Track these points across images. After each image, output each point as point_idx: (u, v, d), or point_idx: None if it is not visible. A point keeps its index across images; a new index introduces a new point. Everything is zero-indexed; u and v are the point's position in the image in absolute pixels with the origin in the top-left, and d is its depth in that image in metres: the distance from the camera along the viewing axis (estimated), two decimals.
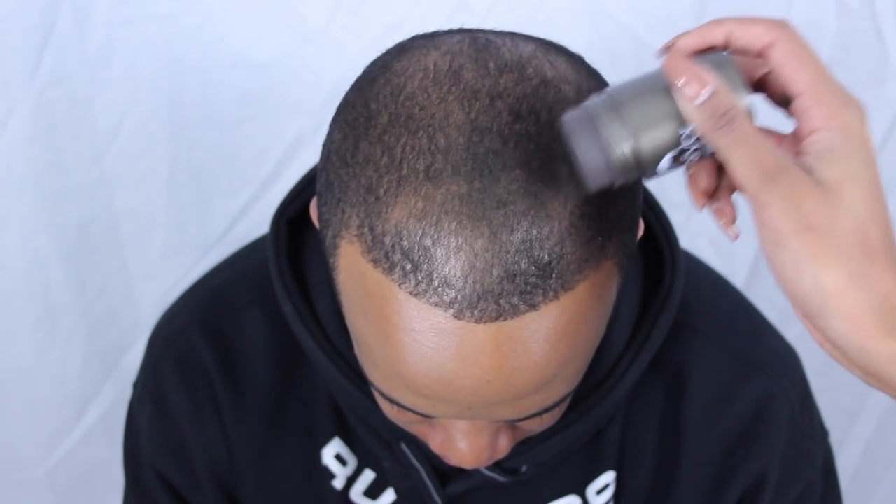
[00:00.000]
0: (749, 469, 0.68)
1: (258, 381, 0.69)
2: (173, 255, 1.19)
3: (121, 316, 1.23)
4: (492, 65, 0.47)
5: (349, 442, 0.69)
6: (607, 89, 0.45)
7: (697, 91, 0.43)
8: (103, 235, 1.16)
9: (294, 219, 0.66)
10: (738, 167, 0.43)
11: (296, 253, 0.66)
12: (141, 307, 1.23)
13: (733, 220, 0.47)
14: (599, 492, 0.69)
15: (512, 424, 0.57)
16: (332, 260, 0.50)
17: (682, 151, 0.44)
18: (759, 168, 0.42)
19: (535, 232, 0.44)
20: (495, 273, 0.44)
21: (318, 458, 0.70)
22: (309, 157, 1.11)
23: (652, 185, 0.65)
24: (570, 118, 0.45)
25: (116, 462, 0.80)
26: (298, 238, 0.66)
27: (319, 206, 0.51)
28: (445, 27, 0.52)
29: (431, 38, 0.50)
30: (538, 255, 0.45)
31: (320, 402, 0.69)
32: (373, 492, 0.71)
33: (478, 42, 0.49)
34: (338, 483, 0.70)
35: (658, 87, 0.44)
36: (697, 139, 0.44)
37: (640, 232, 0.53)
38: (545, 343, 0.46)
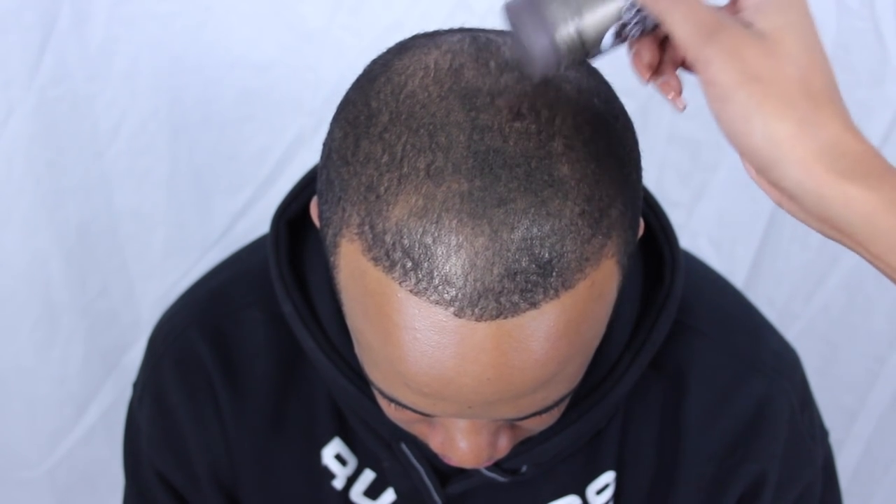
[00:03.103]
0: (749, 469, 0.68)
1: (258, 381, 0.69)
2: (173, 255, 1.19)
3: (121, 316, 1.23)
4: (492, 63, 0.47)
5: (349, 442, 0.69)
6: None
7: None
8: (103, 235, 1.16)
9: (294, 219, 0.66)
10: (678, 28, 0.43)
11: (296, 253, 0.66)
12: (141, 307, 1.23)
13: (679, 93, 0.48)
14: (599, 492, 0.69)
15: (512, 424, 0.57)
16: (332, 259, 0.50)
17: (624, 26, 0.45)
18: (698, 26, 0.42)
19: (535, 230, 0.45)
20: (496, 271, 0.44)
21: (318, 458, 0.70)
22: (309, 156, 1.11)
23: (652, 185, 0.65)
24: (513, 4, 0.45)
25: (116, 462, 0.80)
26: (298, 238, 0.66)
27: (320, 205, 0.51)
28: (445, 27, 0.52)
29: (432, 37, 0.51)
30: (539, 254, 0.45)
31: (320, 402, 0.69)
32: (373, 492, 0.71)
33: (478, 41, 0.49)
34: (338, 483, 0.70)
35: None
36: (638, 11, 0.45)
37: (640, 231, 0.53)
38: (545, 341, 0.46)
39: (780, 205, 0.46)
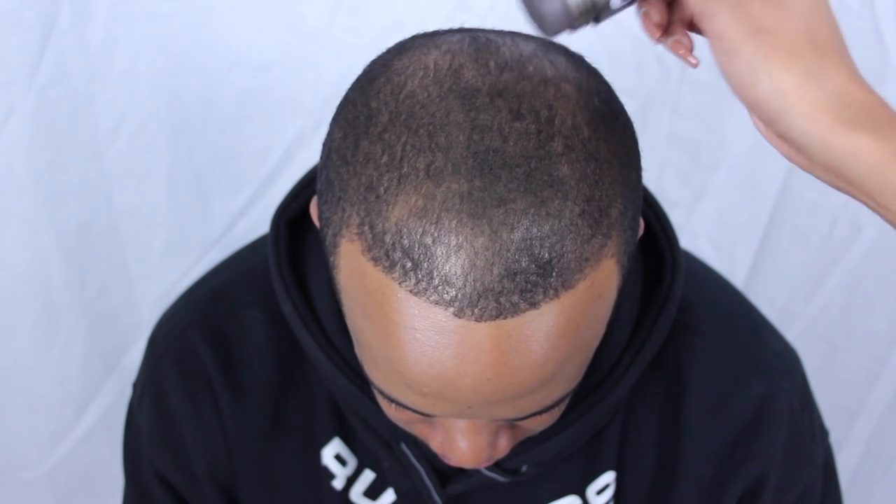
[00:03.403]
0: (749, 469, 0.68)
1: (258, 381, 0.69)
2: (173, 255, 1.19)
3: (121, 316, 1.23)
4: (492, 63, 0.47)
5: (349, 442, 0.69)
6: None
7: None
8: (103, 235, 1.16)
9: (294, 219, 0.66)
10: None
11: (296, 253, 0.66)
12: (141, 307, 1.23)
13: (690, 50, 0.48)
14: (599, 492, 0.69)
15: (512, 424, 0.57)
16: (332, 259, 0.50)
17: None
18: None
19: (535, 230, 0.44)
20: (495, 271, 0.44)
21: (317, 458, 0.70)
22: (309, 156, 1.11)
23: (652, 185, 0.65)
24: None
25: (116, 462, 0.80)
26: (298, 238, 0.66)
27: (320, 205, 0.51)
28: (445, 27, 0.52)
29: (432, 37, 0.51)
30: (538, 254, 0.45)
31: (320, 402, 0.69)
32: (373, 492, 0.71)
33: (478, 41, 0.49)
34: (337, 483, 0.70)
35: None
36: None
37: (641, 231, 0.53)
38: (545, 341, 0.46)
39: (788, 158, 0.46)
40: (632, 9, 0.47)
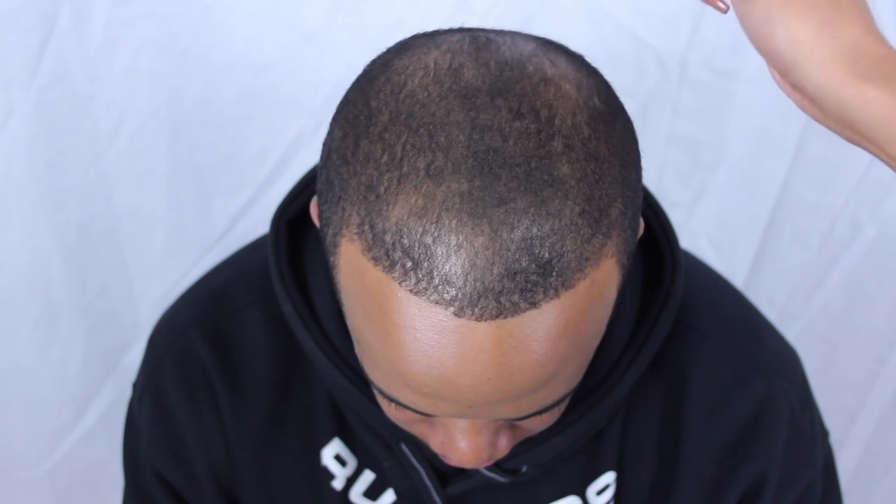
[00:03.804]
0: (749, 470, 0.68)
1: (258, 381, 0.69)
2: (173, 255, 1.19)
3: (121, 316, 1.23)
4: (492, 63, 0.47)
5: (349, 442, 0.69)
6: None
7: None
8: (103, 235, 1.16)
9: (294, 219, 0.66)
10: None
11: (296, 253, 0.66)
12: (141, 307, 1.23)
13: None
14: (600, 492, 0.69)
15: (512, 424, 0.57)
16: (332, 258, 0.50)
17: None
18: None
19: (535, 230, 0.44)
20: (496, 271, 0.44)
21: (317, 458, 0.70)
22: (309, 157, 1.11)
23: (652, 185, 0.65)
24: None
25: (116, 462, 0.80)
26: (298, 238, 0.66)
27: (320, 205, 0.51)
28: (445, 27, 0.52)
29: (432, 36, 0.51)
30: (538, 253, 0.45)
31: (320, 402, 0.69)
32: (373, 492, 0.70)
33: (478, 40, 0.49)
34: (337, 483, 0.70)
35: None
36: None
37: (641, 231, 0.53)
38: (545, 341, 0.46)
39: (802, 108, 0.46)
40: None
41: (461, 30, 0.51)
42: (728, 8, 0.48)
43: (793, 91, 0.46)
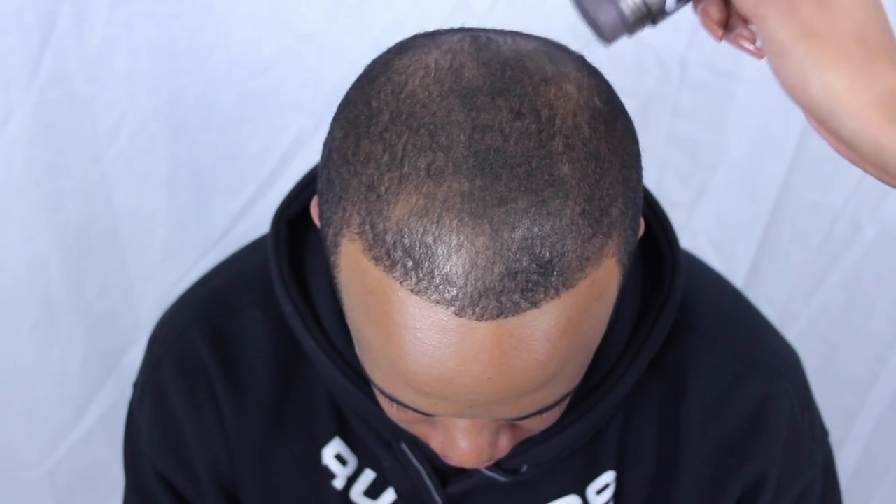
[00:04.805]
0: (749, 469, 0.68)
1: (258, 381, 0.69)
2: (173, 255, 1.20)
3: (121, 316, 1.23)
4: (493, 63, 0.47)
5: (349, 442, 0.69)
6: None
7: None
8: (103, 235, 1.16)
9: (294, 219, 0.66)
10: None
11: (296, 253, 0.66)
12: (141, 307, 1.23)
13: (754, 41, 0.48)
14: (599, 492, 0.69)
15: (512, 424, 0.57)
16: (333, 258, 0.50)
17: None
18: None
19: (536, 229, 0.45)
20: (496, 270, 0.44)
21: (318, 458, 0.70)
22: (309, 157, 1.11)
23: (652, 185, 0.65)
24: None
25: (116, 462, 0.80)
26: (299, 238, 0.66)
27: (320, 205, 0.51)
28: (445, 27, 0.52)
29: (432, 36, 0.51)
30: (539, 253, 0.45)
31: (320, 402, 0.69)
32: (373, 492, 0.71)
33: (479, 40, 0.49)
34: (338, 483, 0.70)
35: None
36: None
37: (641, 231, 0.53)
38: (546, 341, 0.46)
39: (838, 152, 0.47)
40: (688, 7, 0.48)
41: (462, 30, 0.51)
42: (721, 37, 0.48)
43: (829, 136, 0.46)
